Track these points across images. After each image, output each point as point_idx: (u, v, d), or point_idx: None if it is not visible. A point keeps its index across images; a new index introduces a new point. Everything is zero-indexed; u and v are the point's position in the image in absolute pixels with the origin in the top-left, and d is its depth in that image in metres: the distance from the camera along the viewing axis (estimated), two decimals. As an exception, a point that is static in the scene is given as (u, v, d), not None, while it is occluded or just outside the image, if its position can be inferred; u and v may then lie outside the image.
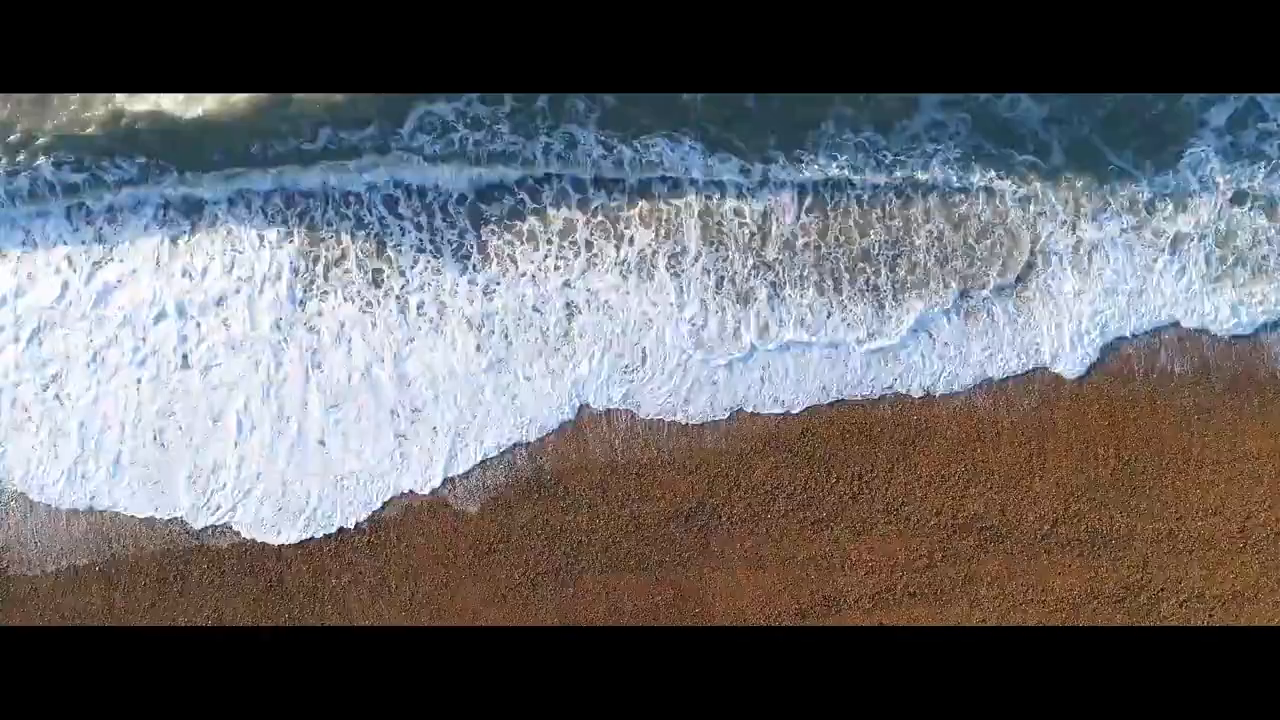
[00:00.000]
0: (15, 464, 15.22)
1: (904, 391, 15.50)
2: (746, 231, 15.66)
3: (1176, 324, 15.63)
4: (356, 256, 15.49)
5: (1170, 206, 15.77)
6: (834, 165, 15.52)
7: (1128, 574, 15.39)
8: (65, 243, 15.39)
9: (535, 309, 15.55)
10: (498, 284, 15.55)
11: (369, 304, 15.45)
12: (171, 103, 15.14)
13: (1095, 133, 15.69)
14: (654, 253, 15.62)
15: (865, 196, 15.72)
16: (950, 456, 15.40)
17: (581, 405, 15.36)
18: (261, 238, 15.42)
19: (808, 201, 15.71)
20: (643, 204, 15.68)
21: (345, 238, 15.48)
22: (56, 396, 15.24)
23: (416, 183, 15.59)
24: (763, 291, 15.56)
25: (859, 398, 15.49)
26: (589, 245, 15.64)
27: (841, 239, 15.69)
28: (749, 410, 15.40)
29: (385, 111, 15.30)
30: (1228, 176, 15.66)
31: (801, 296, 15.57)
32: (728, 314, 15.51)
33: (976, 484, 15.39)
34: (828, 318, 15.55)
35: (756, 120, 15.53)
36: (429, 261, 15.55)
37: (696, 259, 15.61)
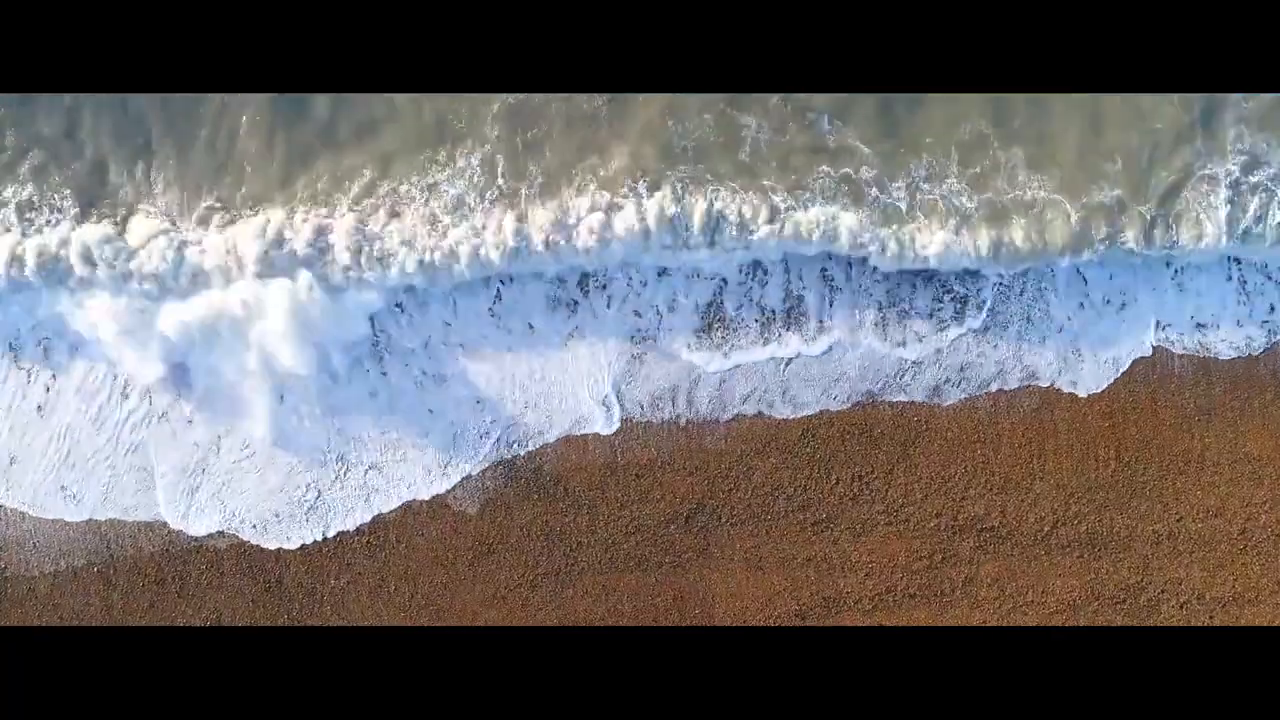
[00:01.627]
0: (13, 468, 15.20)
1: (921, 400, 15.42)
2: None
3: (1177, 328, 15.58)
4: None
5: (1179, 218, 15.36)
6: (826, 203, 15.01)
7: (1128, 575, 15.37)
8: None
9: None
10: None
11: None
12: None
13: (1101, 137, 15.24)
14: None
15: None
16: (950, 457, 15.38)
17: (606, 403, 15.24)
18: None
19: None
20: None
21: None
22: (46, 402, 15.22)
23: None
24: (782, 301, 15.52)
25: (866, 400, 15.45)
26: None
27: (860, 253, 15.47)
28: (752, 413, 15.37)
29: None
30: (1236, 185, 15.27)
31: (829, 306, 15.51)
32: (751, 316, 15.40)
33: (977, 485, 15.36)
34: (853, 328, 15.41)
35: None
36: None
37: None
